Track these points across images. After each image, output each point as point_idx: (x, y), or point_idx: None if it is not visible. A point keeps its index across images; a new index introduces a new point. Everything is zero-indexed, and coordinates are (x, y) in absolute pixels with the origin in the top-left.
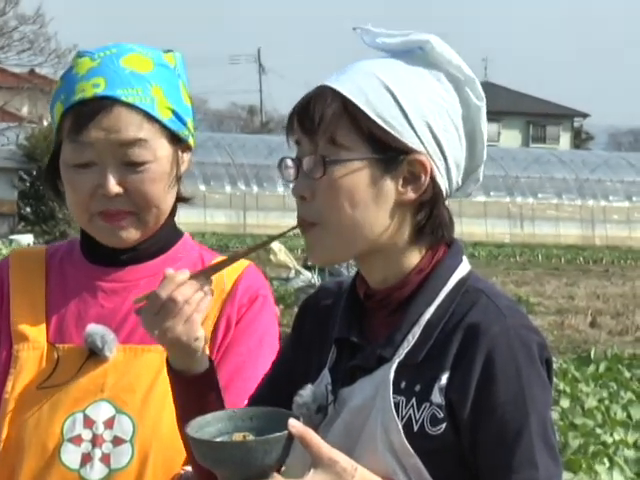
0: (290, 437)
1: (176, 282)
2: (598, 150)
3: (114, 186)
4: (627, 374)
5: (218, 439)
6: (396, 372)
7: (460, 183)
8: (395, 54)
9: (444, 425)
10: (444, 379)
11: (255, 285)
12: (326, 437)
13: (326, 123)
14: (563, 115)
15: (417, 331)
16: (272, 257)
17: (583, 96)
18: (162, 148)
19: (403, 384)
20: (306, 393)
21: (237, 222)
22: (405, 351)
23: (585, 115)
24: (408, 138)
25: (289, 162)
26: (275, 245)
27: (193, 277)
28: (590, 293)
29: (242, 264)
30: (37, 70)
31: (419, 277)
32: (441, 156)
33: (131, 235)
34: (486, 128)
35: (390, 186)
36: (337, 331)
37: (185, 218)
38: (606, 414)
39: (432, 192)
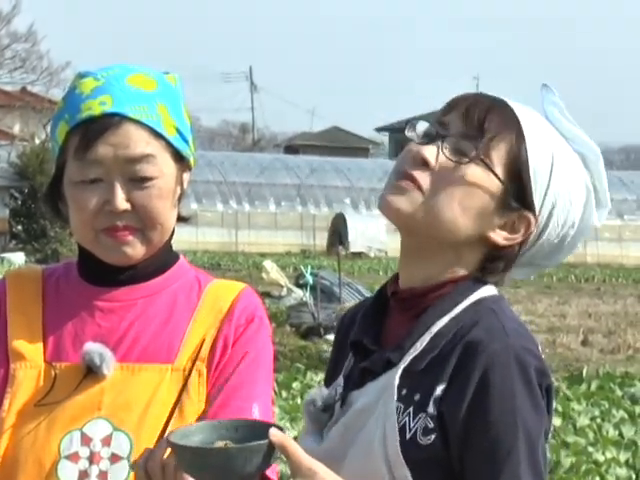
0: (271, 446)
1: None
2: None
3: (122, 202)
4: (619, 392)
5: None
6: (400, 378)
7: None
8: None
9: (433, 436)
10: (439, 390)
11: (251, 306)
12: (327, 436)
13: (493, 124)
14: None
15: (426, 339)
16: (264, 275)
17: (574, 114)
18: (167, 165)
19: (404, 391)
20: (315, 392)
21: (229, 240)
22: (410, 357)
23: None
24: (535, 200)
25: (427, 146)
26: (267, 263)
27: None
28: (582, 311)
29: (239, 286)
30: (29, 88)
31: (443, 290)
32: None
33: (136, 252)
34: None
35: (494, 216)
36: (353, 334)
37: (177, 236)
38: (598, 433)
39: (515, 252)
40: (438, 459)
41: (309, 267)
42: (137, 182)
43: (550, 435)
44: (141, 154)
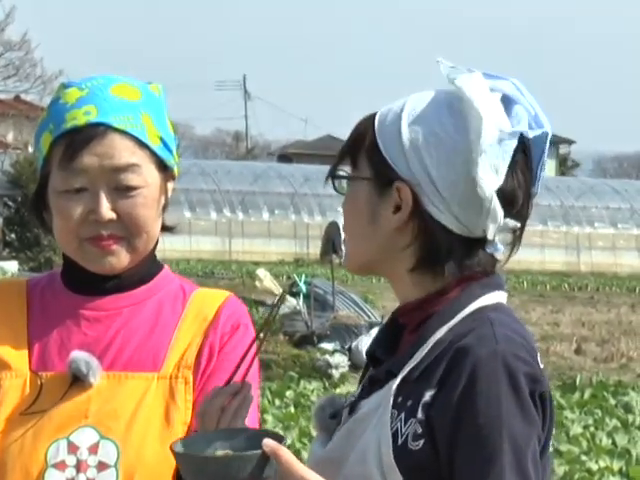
0: (266, 456)
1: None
2: (583, 177)
3: (108, 211)
4: (612, 401)
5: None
6: (398, 387)
7: (486, 231)
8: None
9: (422, 442)
10: (428, 396)
11: (236, 314)
12: (331, 441)
13: (354, 147)
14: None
15: (425, 349)
16: (257, 283)
17: (568, 122)
18: (152, 175)
19: (400, 399)
20: (325, 399)
21: (222, 249)
22: (409, 368)
23: (570, 142)
24: (400, 167)
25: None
26: (261, 272)
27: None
28: (575, 320)
29: (223, 294)
30: (22, 96)
31: (441, 299)
32: (434, 188)
33: (121, 260)
34: (525, 161)
35: (385, 210)
36: (369, 346)
37: (170, 245)
38: (591, 441)
39: (421, 221)
40: (428, 465)
41: (303, 275)
42: (122, 191)
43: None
44: (126, 164)
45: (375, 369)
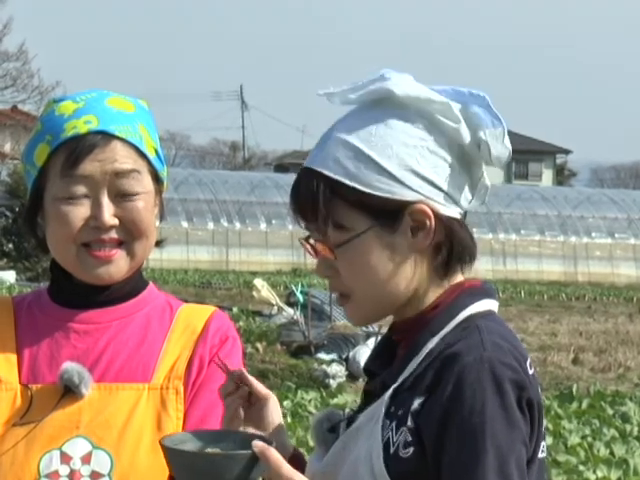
0: (255, 457)
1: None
2: (580, 186)
3: (110, 217)
4: (610, 411)
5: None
6: (391, 397)
7: (471, 197)
8: (367, 104)
9: (412, 449)
10: (416, 404)
11: (224, 327)
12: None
13: (322, 211)
14: (545, 152)
15: (417, 360)
16: (255, 293)
17: (565, 132)
18: (149, 184)
19: (392, 408)
20: (323, 413)
21: (220, 258)
22: (402, 378)
23: (567, 152)
24: (400, 193)
25: (308, 247)
26: (258, 282)
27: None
28: (572, 330)
29: (210, 308)
30: (20, 106)
31: (435, 311)
32: (439, 191)
33: (120, 269)
34: (484, 136)
35: (401, 241)
36: (366, 361)
37: (168, 255)
38: (589, 451)
39: (444, 226)
40: (418, 471)
41: (300, 285)
42: (123, 197)
43: (545, 452)
44: (128, 169)
45: (370, 383)
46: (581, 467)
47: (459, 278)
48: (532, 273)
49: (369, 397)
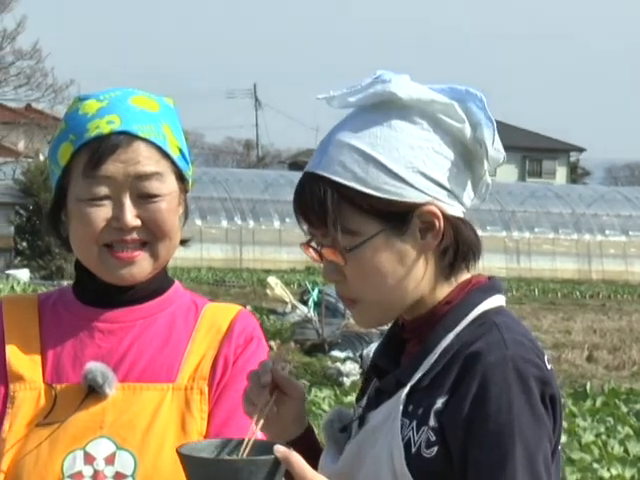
0: (277, 463)
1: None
2: (594, 184)
3: (132, 219)
4: (624, 409)
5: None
6: (407, 396)
7: (473, 194)
8: (367, 107)
9: (436, 449)
10: (440, 403)
11: (249, 327)
12: (342, 455)
13: (331, 217)
14: (559, 149)
15: (432, 358)
16: (269, 291)
17: (579, 130)
18: (172, 185)
19: (410, 407)
20: (333, 413)
21: (233, 257)
22: (418, 376)
23: (581, 149)
24: (409, 196)
25: (311, 251)
26: (272, 280)
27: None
28: (587, 327)
29: (235, 308)
30: (34, 105)
31: (447, 308)
32: (444, 191)
33: (143, 269)
34: (483, 135)
35: (410, 243)
36: (372, 358)
37: (181, 253)
38: (603, 449)
39: (450, 226)
40: (442, 471)
41: (314, 283)
42: (146, 198)
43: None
44: (151, 171)
45: (381, 380)
46: (595, 465)
47: (466, 275)
48: (546, 271)
49: (380, 394)
